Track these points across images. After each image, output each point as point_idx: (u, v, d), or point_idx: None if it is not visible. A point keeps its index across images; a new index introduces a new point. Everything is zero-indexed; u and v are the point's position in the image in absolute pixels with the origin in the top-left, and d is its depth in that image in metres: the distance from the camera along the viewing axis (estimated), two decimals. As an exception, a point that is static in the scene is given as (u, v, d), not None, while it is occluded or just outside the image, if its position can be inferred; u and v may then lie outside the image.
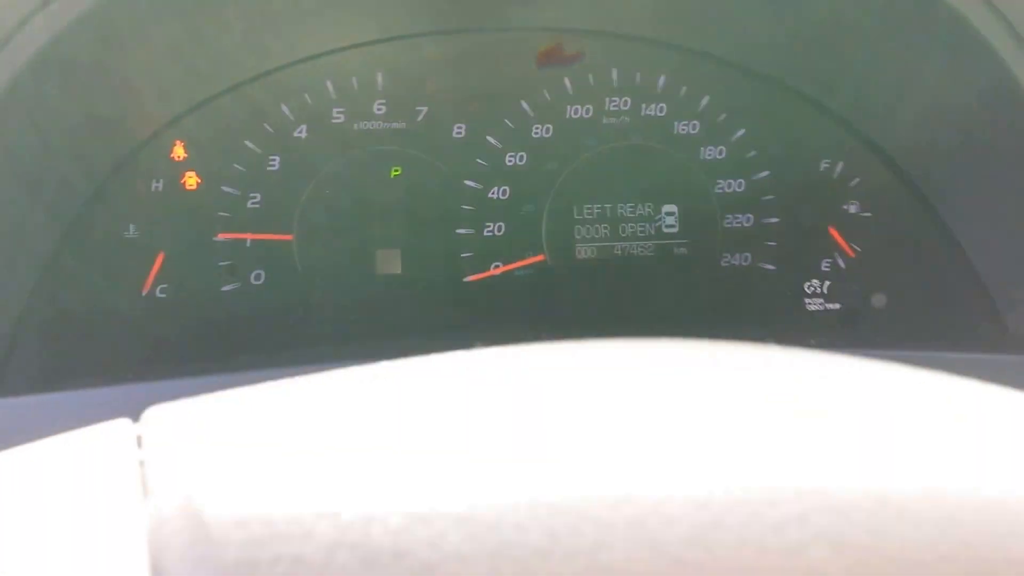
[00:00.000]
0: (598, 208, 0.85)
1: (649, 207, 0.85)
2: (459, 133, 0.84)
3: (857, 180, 0.85)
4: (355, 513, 0.27)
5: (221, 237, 0.82)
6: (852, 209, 0.85)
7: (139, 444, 0.36)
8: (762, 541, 0.26)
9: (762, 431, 0.30)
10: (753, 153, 0.85)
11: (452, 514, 0.26)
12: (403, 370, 0.36)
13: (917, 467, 0.29)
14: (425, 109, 0.84)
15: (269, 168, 0.83)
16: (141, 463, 0.34)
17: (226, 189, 0.82)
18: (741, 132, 0.85)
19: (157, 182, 0.82)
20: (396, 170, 0.83)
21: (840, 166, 0.85)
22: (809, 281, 0.85)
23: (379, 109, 0.83)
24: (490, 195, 0.84)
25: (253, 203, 0.83)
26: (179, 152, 0.82)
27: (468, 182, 0.84)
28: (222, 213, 0.82)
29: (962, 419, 0.33)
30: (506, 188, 0.84)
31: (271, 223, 0.83)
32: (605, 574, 0.25)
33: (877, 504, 0.27)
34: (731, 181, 0.85)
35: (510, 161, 0.84)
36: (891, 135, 0.84)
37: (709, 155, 0.85)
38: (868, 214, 0.85)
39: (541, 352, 0.37)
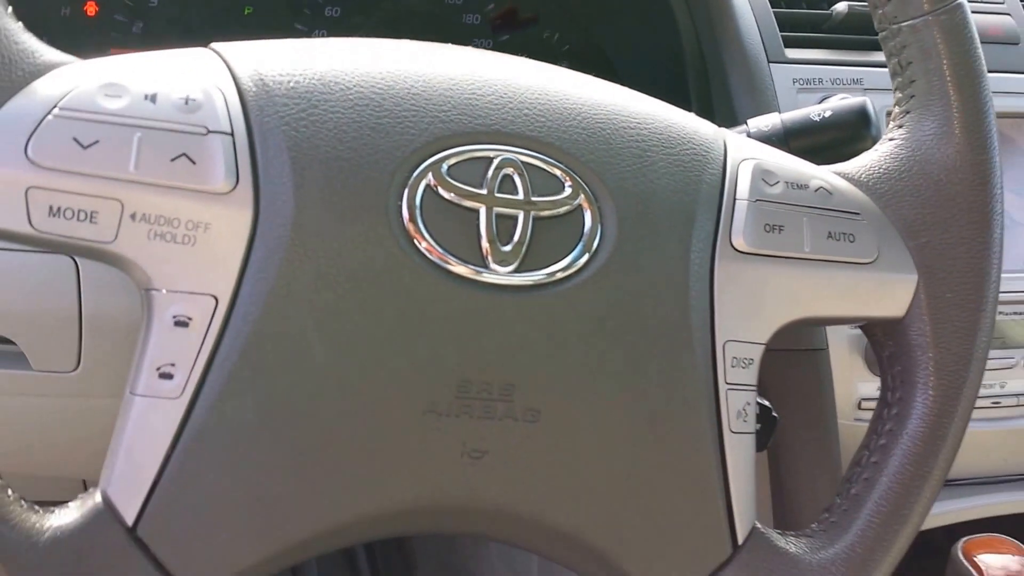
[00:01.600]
0: (390, 51, 1.20)
1: (426, 53, 1.21)
2: (293, -10, 1.18)
3: (567, 46, 1.24)
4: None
5: (112, 51, 1.12)
6: (565, 65, 1.23)
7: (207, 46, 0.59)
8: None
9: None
10: (498, 22, 1.22)
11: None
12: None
13: None
14: (268, -31, 1.17)
15: (150, 5, 1.14)
16: (215, 51, 0.59)
17: (117, 17, 1.13)
18: (491, 5, 1.22)
19: (65, 8, 1.12)
20: (248, 9, 1.16)
21: (557, 35, 1.24)
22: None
23: None
24: (313, 35, 1.18)
25: (137, 29, 1.14)
26: (83, -14, 1.13)
27: (297, 25, 1.17)
28: (114, 34, 1.13)
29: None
30: (324, 31, 1.18)
31: (152, 44, 1.13)
32: None
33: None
34: (483, 40, 1.22)
35: (328, 13, 1.18)
36: (591, 10, 1.23)
37: (468, 20, 1.22)
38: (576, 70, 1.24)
39: None
